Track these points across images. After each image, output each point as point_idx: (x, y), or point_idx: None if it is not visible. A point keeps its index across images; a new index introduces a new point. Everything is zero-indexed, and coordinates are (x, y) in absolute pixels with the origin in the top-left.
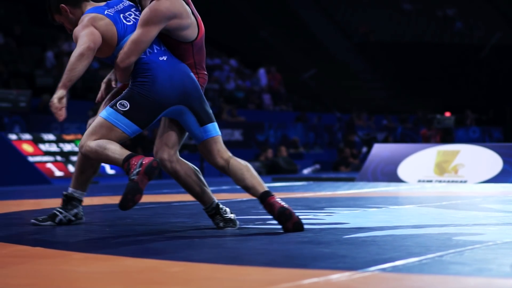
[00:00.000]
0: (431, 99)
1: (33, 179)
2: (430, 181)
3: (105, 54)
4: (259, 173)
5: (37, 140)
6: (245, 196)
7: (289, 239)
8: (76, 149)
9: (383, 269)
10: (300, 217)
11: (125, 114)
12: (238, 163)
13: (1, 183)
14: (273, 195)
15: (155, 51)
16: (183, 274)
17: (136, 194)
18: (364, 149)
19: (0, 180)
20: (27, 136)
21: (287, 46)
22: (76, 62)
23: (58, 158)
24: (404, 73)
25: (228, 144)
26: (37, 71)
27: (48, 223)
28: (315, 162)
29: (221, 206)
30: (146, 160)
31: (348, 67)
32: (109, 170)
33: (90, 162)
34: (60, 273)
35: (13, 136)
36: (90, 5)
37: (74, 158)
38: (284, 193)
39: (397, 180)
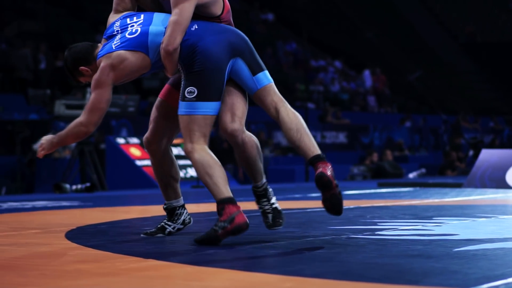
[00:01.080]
0: None
1: (140, 183)
2: None
3: (146, 70)
4: (364, 177)
5: None
6: (353, 204)
7: (399, 252)
8: (183, 153)
9: (496, 287)
10: (409, 227)
11: (198, 99)
12: (290, 118)
13: (110, 187)
14: (324, 160)
15: None
16: None
17: (212, 243)
18: (471, 153)
19: (109, 184)
20: (134, 140)
21: (392, 47)
22: (70, 139)
23: None
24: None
25: (333, 146)
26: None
27: (159, 235)
28: (421, 166)
29: (268, 187)
30: (239, 219)
31: (454, 68)
32: None
33: (165, 172)
34: None
35: (121, 140)
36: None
37: (181, 162)
38: (391, 200)
39: (506, 186)
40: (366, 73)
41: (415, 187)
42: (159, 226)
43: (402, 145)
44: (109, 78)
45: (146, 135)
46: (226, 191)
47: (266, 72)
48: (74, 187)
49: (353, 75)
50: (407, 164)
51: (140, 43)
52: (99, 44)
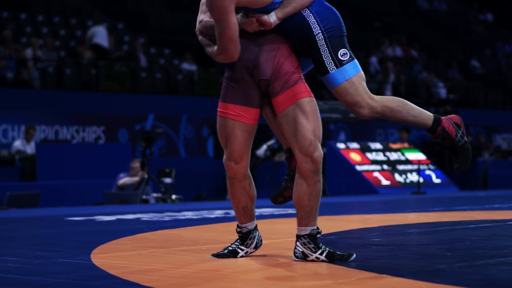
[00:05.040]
0: None
1: (361, 189)
2: None
3: (261, 6)
4: None
5: (364, 149)
6: None
7: None
8: (403, 157)
9: None
10: None
11: (352, 58)
12: None
13: (331, 192)
14: None
15: None
16: None
17: (470, 155)
18: None
19: (330, 190)
20: (354, 145)
21: None
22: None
23: (385, 167)
24: None
25: None
26: None
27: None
28: None
29: None
30: (457, 119)
31: None
32: (434, 179)
33: (245, 194)
34: None
35: (341, 145)
36: None
37: (400, 167)
38: None
39: None
40: None
41: None
42: (230, 249)
43: None
44: (232, 6)
45: (230, 156)
46: (430, 113)
47: None
48: None
49: None
50: None
51: None
52: None
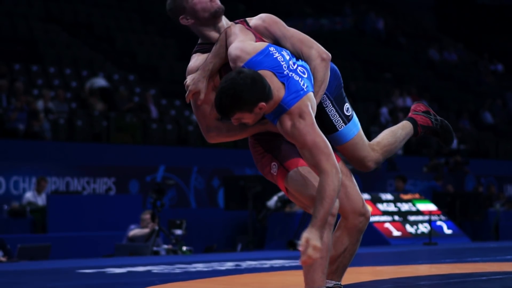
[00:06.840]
0: None
1: (372, 239)
2: None
3: None
4: None
5: (375, 200)
6: None
7: None
8: (414, 208)
9: None
10: None
11: (352, 109)
12: None
13: None
14: None
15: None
16: None
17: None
18: None
19: None
20: (365, 196)
21: None
22: (332, 201)
23: (396, 217)
24: None
25: None
26: (372, 127)
27: None
28: None
29: None
30: (421, 107)
31: None
32: (446, 229)
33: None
34: None
35: None
36: (278, 87)
37: (411, 218)
38: None
39: None
40: None
41: None
42: None
43: None
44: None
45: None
46: (408, 123)
47: None
48: None
49: None
50: None
51: (312, 83)
52: (267, 74)
